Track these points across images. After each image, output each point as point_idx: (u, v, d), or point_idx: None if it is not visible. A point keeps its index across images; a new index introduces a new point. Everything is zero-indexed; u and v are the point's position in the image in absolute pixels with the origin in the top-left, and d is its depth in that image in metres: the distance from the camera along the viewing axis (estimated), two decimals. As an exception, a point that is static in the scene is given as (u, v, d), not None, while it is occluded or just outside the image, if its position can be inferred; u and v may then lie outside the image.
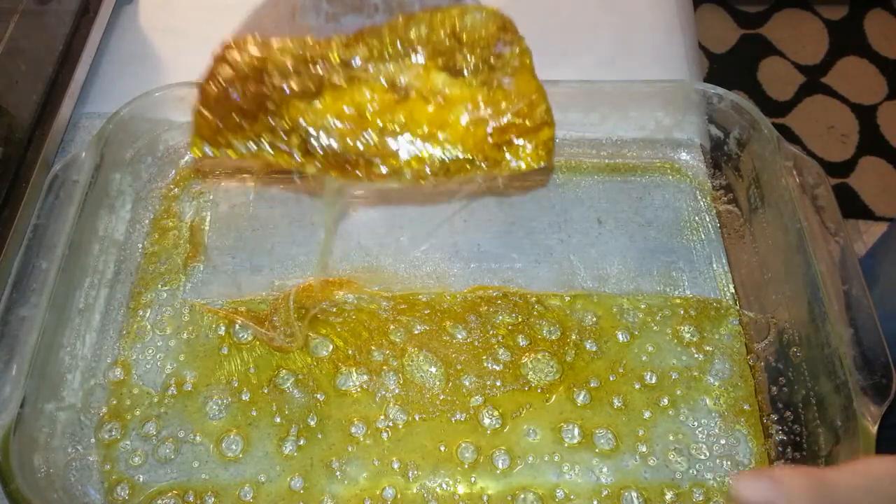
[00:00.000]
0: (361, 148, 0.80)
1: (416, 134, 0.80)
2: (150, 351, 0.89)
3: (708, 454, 0.83)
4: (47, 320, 0.81)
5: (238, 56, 0.84)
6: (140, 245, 0.97)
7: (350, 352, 0.89)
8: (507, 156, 0.81)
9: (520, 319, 0.92)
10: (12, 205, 0.92)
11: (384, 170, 0.80)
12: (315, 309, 0.92)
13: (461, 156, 0.80)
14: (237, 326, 0.90)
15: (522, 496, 0.80)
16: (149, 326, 0.91)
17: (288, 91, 0.82)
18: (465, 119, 0.81)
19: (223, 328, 0.91)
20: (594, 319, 0.92)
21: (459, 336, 0.90)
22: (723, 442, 0.84)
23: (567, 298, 0.94)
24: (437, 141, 0.80)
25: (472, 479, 0.81)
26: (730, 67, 3.03)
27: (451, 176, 0.80)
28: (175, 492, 0.80)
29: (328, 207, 0.94)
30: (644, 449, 0.83)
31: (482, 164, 0.80)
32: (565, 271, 0.96)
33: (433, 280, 0.96)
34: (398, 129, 0.80)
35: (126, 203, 0.99)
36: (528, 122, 0.81)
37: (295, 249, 0.98)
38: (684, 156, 1.06)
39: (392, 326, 0.90)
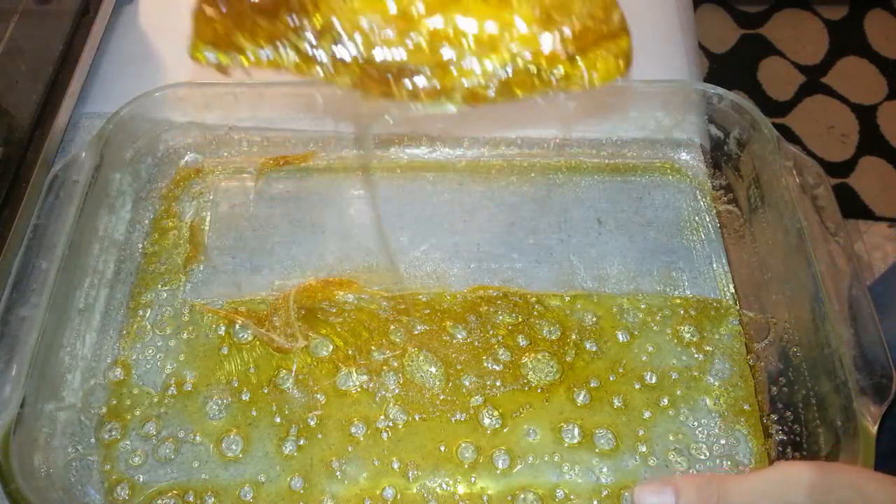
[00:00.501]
0: (406, 57, 0.67)
1: (474, 39, 0.68)
2: (150, 351, 0.89)
3: (708, 454, 0.83)
4: (47, 320, 0.81)
5: None
6: (140, 245, 0.97)
7: (350, 352, 0.89)
8: (584, 69, 0.69)
9: (520, 319, 0.92)
10: (12, 205, 0.92)
11: (435, 85, 0.68)
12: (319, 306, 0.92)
13: (529, 67, 0.68)
14: (237, 326, 0.90)
15: (522, 496, 0.80)
16: (149, 326, 0.91)
17: None
18: (531, 19, 0.68)
19: (223, 328, 0.91)
20: (594, 319, 0.92)
21: (459, 336, 0.90)
22: (723, 442, 0.84)
23: (567, 298, 0.93)
24: (499, 48, 0.68)
25: (472, 479, 0.81)
26: (730, 67, 3.04)
27: (514, 95, 0.69)
28: (175, 492, 0.80)
29: (360, 138, 0.84)
30: (644, 449, 0.83)
31: (553, 77, 0.69)
32: (565, 271, 0.96)
33: (433, 280, 0.96)
34: (452, 33, 0.68)
35: (126, 203, 0.99)
36: (604, 28, 0.70)
37: (295, 249, 0.98)
38: (684, 156, 1.06)
39: (392, 326, 0.90)
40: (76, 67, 1.05)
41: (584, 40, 0.69)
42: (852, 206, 2.65)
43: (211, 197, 1.02)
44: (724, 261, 0.97)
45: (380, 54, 0.67)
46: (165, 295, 0.94)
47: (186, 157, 1.05)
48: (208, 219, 1.00)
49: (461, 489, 0.81)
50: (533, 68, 0.68)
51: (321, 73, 0.68)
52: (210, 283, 0.95)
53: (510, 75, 0.68)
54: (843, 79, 2.99)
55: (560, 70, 0.69)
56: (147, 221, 0.99)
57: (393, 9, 0.66)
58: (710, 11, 3.19)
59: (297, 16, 0.67)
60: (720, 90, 0.99)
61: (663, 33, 1.25)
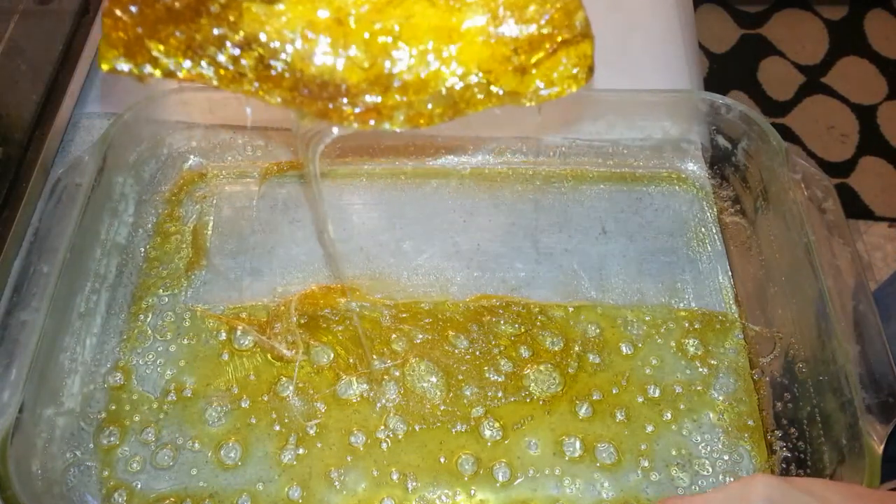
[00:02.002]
0: (341, 72, 0.60)
1: (416, 49, 0.61)
2: (151, 356, 0.89)
3: (711, 470, 0.82)
4: (47, 324, 0.80)
5: None
6: (142, 249, 0.97)
7: (351, 360, 0.88)
8: (538, 80, 0.63)
9: (522, 330, 0.91)
10: (12, 205, 0.92)
11: (374, 103, 0.61)
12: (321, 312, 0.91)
13: (476, 79, 0.61)
14: (238, 332, 0.90)
15: (522, 510, 0.80)
16: (149, 331, 0.90)
17: None
18: (480, 26, 0.61)
19: (224, 334, 0.90)
20: (597, 331, 0.91)
21: (461, 346, 0.89)
22: (726, 458, 0.83)
23: (570, 309, 0.93)
24: (443, 59, 0.61)
25: (472, 492, 0.81)
26: (730, 67, 3.03)
27: (460, 113, 0.63)
28: (173, 499, 0.80)
29: (303, 158, 0.72)
30: (646, 463, 0.82)
31: (502, 91, 0.63)
32: (569, 281, 0.96)
33: (435, 289, 0.95)
34: (391, 43, 0.61)
35: (129, 206, 0.98)
36: (563, 34, 0.63)
37: (297, 253, 0.98)
38: (691, 166, 1.05)
39: (394, 335, 0.90)
40: (76, 67, 1.04)
41: (539, 49, 0.63)
42: (852, 206, 2.64)
43: (214, 201, 1.02)
44: (729, 273, 0.96)
45: (312, 70, 0.61)
46: (167, 299, 0.93)
47: (190, 161, 1.04)
48: (211, 223, 1.00)
49: (460, 501, 0.80)
50: (483, 81, 0.62)
51: (248, 89, 0.62)
52: (211, 287, 0.95)
53: (457, 91, 0.62)
54: (843, 79, 2.98)
55: (508, 85, 0.63)
56: (150, 225, 0.99)
57: (324, 15, 0.60)
58: (710, 11, 3.18)
59: (218, 24, 0.61)
60: (728, 100, 0.98)
61: (663, 34, 1.24)
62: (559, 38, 0.63)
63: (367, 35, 0.60)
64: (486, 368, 0.88)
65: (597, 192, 1.04)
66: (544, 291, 0.95)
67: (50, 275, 0.82)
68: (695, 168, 1.05)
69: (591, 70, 0.64)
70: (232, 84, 0.62)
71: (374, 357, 0.88)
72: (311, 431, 0.84)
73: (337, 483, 0.81)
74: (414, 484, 0.81)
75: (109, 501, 0.80)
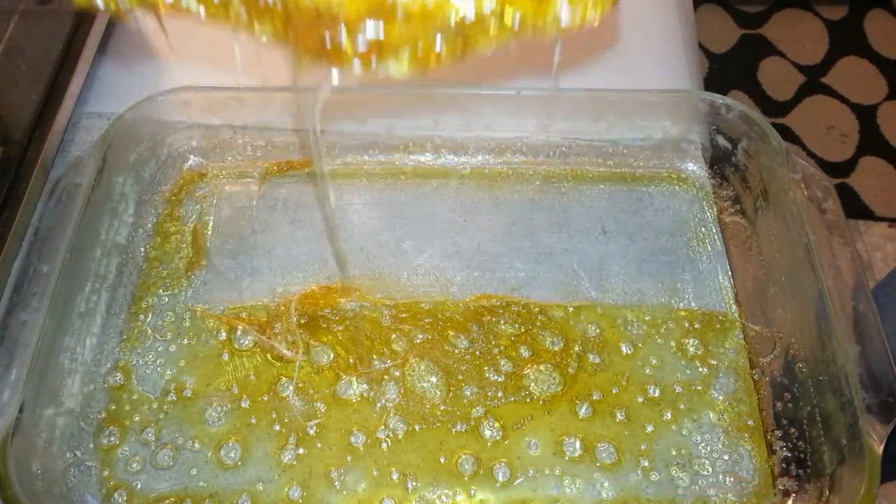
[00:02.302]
0: (340, 4, 0.52)
1: None
2: (151, 356, 0.89)
3: (711, 470, 0.82)
4: (47, 324, 0.80)
5: None
6: (142, 249, 0.97)
7: (351, 360, 0.88)
8: (558, 5, 0.55)
9: (522, 330, 0.91)
10: (12, 205, 0.92)
11: (371, 36, 0.53)
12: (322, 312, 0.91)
13: (489, 7, 0.53)
14: (238, 332, 0.90)
15: (522, 510, 0.80)
16: (149, 331, 0.90)
17: None
18: None
19: (224, 334, 0.90)
20: (597, 331, 0.91)
21: (461, 346, 0.89)
22: (726, 457, 0.83)
23: (570, 309, 0.93)
24: None
25: (472, 492, 0.81)
26: (730, 67, 3.03)
27: (471, 50, 0.56)
28: (172, 499, 0.80)
29: (303, 112, 0.70)
30: (646, 463, 0.82)
31: (518, 22, 0.55)
32: (569, 281, 0.96)
33: (436, 288, 0.95)
34: None
35: (129, 207, 0.98)
36: None
37: (297, 253, 0.98)
38: (691, 166, 1.05)
39: (394, 335, 0.90)
40: (76, 67, 1.04)
41: None
42: (852, 206, 2.64)
43: (214, 201, 1.02)
44: (729, 273, 0.96)
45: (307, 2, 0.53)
46: (167, 299, 0.93)
47: (190, 161, 1.04)
48: (211, 223, 1.00)
49: (460, 501, 0.80)
50: (492, 12, 0.54)
51: (236, 22, 0.56)
52: (212, 287, 0.95)
53: (466, 23, 0.54)
54: (843, 79, 2.99)
55: (524, 13, 0.55)
56: (150, 225, 0.99)
57: None
58: (710, 11, 3.18)
59: None
60: (728, 100, 0.98)
61: (663, 34, 1.24)
62: None
63: None
64: (486, 368, 0.88)
65: (597, 192, 1.04)
66: (544, 291, 0.95)
67: (50, 275, 0.82)
68: (695, 168, 1.05)
69: None
70: (218, 15, 0.57)
71: (374, 357, 0.88)
72: (311, 431, 0.84)
73: (337, 483, 0.81)
74: (414, 484, 0.81)
75: (109, 501, 0.80)
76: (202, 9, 0.56)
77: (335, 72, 0.58)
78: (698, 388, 0.87)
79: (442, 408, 0.85)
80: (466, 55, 0.56)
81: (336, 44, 0.54)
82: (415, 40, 0.54)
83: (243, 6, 0.54)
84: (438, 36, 0.54)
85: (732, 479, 0.82)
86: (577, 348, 0.90)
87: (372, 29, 0.53)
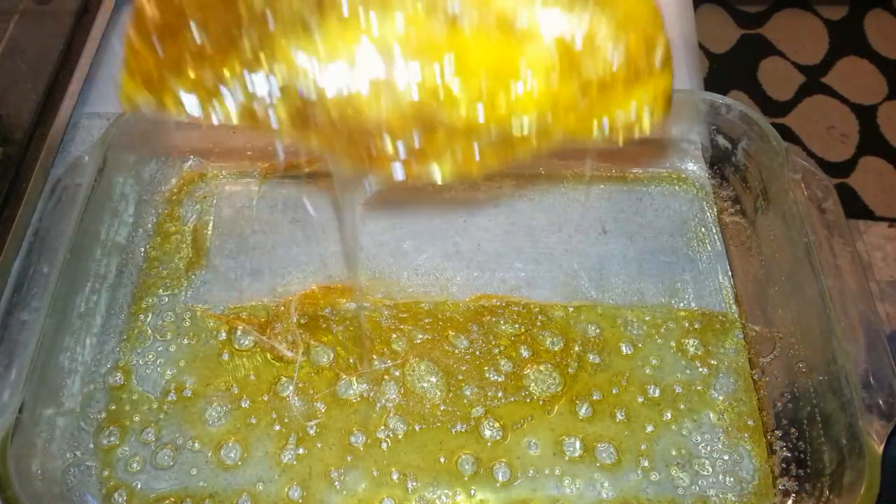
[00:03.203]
0: (383, 117, 0.53)
1: (468, 91, 0.53)
2: (151, 356, 0.89)
3: (711, 470, 0.82)
4: (47, 324, 0.80)
5: None
6: (142, 249, 0.97)
7: (351, 360, 0.88)
8: (604, 122, 0.55)
9: (522, 330, 0.91)
10: (12, 205, 0.92)
11: (418, 153, 0.54)
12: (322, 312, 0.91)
13: (533, 123, 0.54)
14: (238, 333, 0.90)
15: (522, 510, 0.80)
16: (149, 331, 0.90)
17: (272, 20, 0.53)
18: (543, 65, 0.53)
19: (224, 334, 0.90)
20: (597, 331, 0.91)
21: (461, 346, 0.89)
22: (726, 458, 0.83)
23: (570, 309, 0.93)
24: (498, 102, 0.53)
25: (472, 492, 0.81)
26: (730, 67, 3.03)
27: (511, 157, 0.56)
28: (172, 499, 0.80)
29: (342, 205, 0.71)
30: (646, 463, 0.82)
31: (565, 136, 0.55)
32: (569, 281, 0.96)
33: (435, 288, 0.95)
34: (440, 83, 0.53)
35: (129, 207, 0.98)
36: (640, 67, 0.54)
37: (297, 253, 0.98)
38: (691, 166, 1.05)
39: (394, 335, 0.90)
40: (76, 67, 1.04)
41: (609, 91, 0.54)
42: (852, 206, 2.64)
43: (214, 201, 1.02)
44: (729, 273, 0.96)
45: (351, 112, 0.54)
46: (167, 299, 0.93)
47: (190, 161, 1.04)
48: (211, 223, 1.00)
49: (460, 501, 0.80)
50: (536, 127, 0.55)
51: (281, 132, 0.56)
52: (211, 287, 0.95)
53: (509, 134, 0.55)
54: (843, 79, 2.98)
55: (568, 128, 0.56)
56: (150, 225, 0.99)
57: (367, 51, 0.53)
58: (710, 11, 3.18)
59: (249, 63, 0.54)
60: (728, 100, 0.98)
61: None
62: (634, 77, 0.55)
63: (414, 75, 0.53)
64: (486, 368, 0.88)
65: (597, 192, 1.04)
66: (544, 291, 0.95)
67: (50, 275, 0.82)
68: (695, 168, 1.05)
69: (667, 107, 0.57)
70: (264, 127, 0.56)
71: (374, 357, 0.88)
72: (311, 431, 0.84)
73: (337, 483, 0.81)
74: (414, 484, 0.81)
75: (109, 501, 0.80)
76: (247, 122, 0.56)
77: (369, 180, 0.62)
78: (698, 388, 0.87)
79: (442, 408, 0.85)
80: (506, 163, 0.57)
81: (379, 152, 0.55)
82: (456, 149, 0.55)
83: (288, 119, 0.55)
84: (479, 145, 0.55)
85: (732, 480, 0.82)
86: (577, 348, 0.90)
87: (416, 139, 0.53)
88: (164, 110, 0.56)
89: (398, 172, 0.56)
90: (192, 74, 0.55)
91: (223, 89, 0.55)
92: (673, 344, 0.90)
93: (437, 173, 0.55)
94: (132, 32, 0.56)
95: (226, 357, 0.89)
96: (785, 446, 0.83)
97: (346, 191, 0.65)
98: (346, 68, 0.53)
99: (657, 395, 0.87)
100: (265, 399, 0.86)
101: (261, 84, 0.54)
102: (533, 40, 0.53)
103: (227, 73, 0.54)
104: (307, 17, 0.53)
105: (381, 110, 0.53)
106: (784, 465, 0.82)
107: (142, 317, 0.91)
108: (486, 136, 0.54)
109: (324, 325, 0.91)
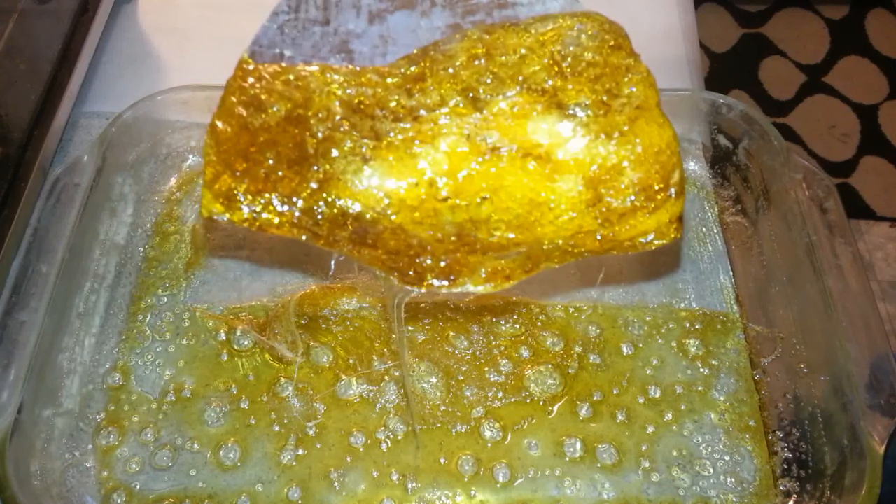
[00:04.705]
0: (427, 239, 0.61)
1: (503, 221, 0.60)
2: (150, 356, 0.88)
3: (712, 471, 0.82)
4: (46, 324, 0.80)
5: (262, 86, 0.64)
6: (141, 249, 0.96)
7: (351, 360, 0.88)
8: (618, 230, 0.61)
9: (523, 330, 0.91)
10: (11, 205, 0.92)
11: (455, 273, 0.61)
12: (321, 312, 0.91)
13: (558, 244, 0.61)
14: (237, 333, 0.90)
15: (523, 510, 0.80)
16: (148, 331, 0.90)
17: (336, 154, 0.62)
18: (571, 201, 0.60)
19: (223, 334, 0.90)
20: (598, 331, 0.91)
21: (461, 346, 0.89)
22: (727, 458, 0.83)
23: (571, 309, 0.92)
24: (532, 230, 0.60)
25: (472, 493, 0.80)
26: (731, 67, 3.03)
27: (537, 269, 0.62)
28: (172, 500, 0.80)
29: (390, 305, 0.76)
30: (647, 464, 0.82)
31: (585, 252, 0.62)
32: (569, 281, 0.95)
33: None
34: (479, 215, 0.60)
35: (128, 206, 0.98)
36: (656, 202, 0.61)
37: (297, 252, 0.97)
38: (692, 166, 1.04)
39: (394, 336, 0.89)
40: (75, 67, 1.04)
41: (629, 219, 0.61)
42: (853, 206, 2.64)
43: (213, 200, 1.01)
44: (730, 273, 0.96)
45: (401, 241, 0.62)
46: (166, 300, 0.93)
47: (189, 161, 1.04)
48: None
49: (460, 502, 0.80)
50: (560, 247, 0.62)
51: (340, 250, 0.64)
52: (211, 287, 0.94)
53: (536, 253, 0.61)
54: (844, 78, 2.98)
55: (590, 249, 0.62)
56: (149, 225, 0.99)
57: (412, 184, 0.61)
58: (711, 11, 3.18)
59: (315, 192, 0.62)
60: (730, 100, 0.98)
61: (664, 33, 1.24)
62: (652, 206, 0.61)
63: (457, 204, 0.61)
64: (486, 369, 0.88)
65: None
66: (544, 291, 0.94)
67: (49, 275, 0.82)
68: (696, 167, 1.04)
69: (679, 230, 0.63)
70: (326, 245, 0.63)
71: (374, 357, 0.88)
72: (311, 432, 0.83)
73: (336, 484, 0.80)
74: (414, 485, 0.81)
75: (108, 502, 0.79)
76: (312, 240, 0.64)
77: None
78: (699, 388, 0.87)
79: (442, 408, 0.85)
80: (531, 274, 0.62)
81: (422, 270, 0.62)
82: (489, 263, 0.61)
83: (348, 240, 0.62)
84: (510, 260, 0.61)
85: (733, 480, 0.82)
86: (577, 349, 0.89)
87: (454, 259, 0.61)
88: (238, 223, 0.64)
89: (437, 287, 0.62)
90: (260, 194, 0.63)
91: (294, 211, 0.63)
92: (674, 344, 0.90)
93: (471, 287, 0.62)
94: (209, 146, 0.64)
95: (225, 357, 0.88)
96: (786, 447, 0.83)
97: (392, 294, 0.71)
98: (398, 196, 0.61)
99: (658, 395, 0.86)
100: (264, 399, 0.85)
101: (322, 206, 0.62)
102: (563, 172, 0.60)
103: (294, 196, 0.62)
104: (365, 150, 0.61)
105: (425, 234, 0.60)
106: (785, 466, 0.82)
107: (141, 317, 0.91)
108: (515, 256, 0.60)
109: (324, 326, 0.90)
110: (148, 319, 0.91)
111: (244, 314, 0.91)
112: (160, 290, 0.93)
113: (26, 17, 1.01)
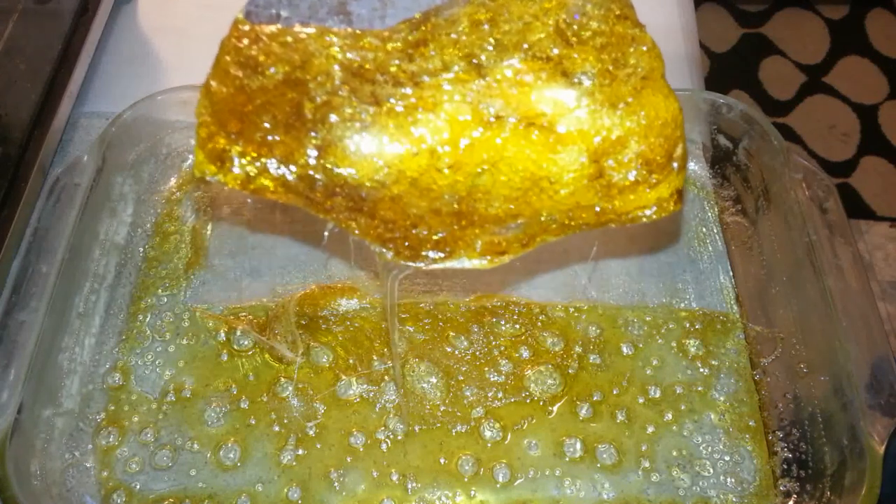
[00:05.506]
0: (424, 211, 0.60)
1: (503, 195, 0.60)
2: (150, 356, 0.88)
3: (712, 471, 0.82)
4: (46, 324, 0.80)
5: (258, 48, 0.63)
6: (141, 249, 0.96)
7: (351, 360, 0.88)
8: (618, 204, 0.62)
9: (523, 330, 0.91)
10: (11, 205, 0.92)
11: (450, 247, 0.60)
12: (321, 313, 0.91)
13: (556, 217, 0.61)
14: (237, 333, 0.90)
15: (523, 511, 0.80)
16: (148, 331, 0.90)
17: (335, 120, 0.61)
18: (573, 175, 0.60)
19: (223, 334, 0.90)
20: (598, 331, 0.91)
21: (461, 346, 0.89)
22: (727, 458, 0.83)
23: (571, 309, 0.92)
24: (531, 203, 0.60)
25: (472, 493, 0.80)
26: (731, 67, 3.03)
27: (533, 244, 0.63)
28: (172, 500, 0.80)
29: (383, 279, 0.74)
30: (647, 464, 0.82)
31: (583, 225, 0.62)
32: (569, 281, 0.95)
33: (436, 288, 0.94)
34: (479, 187, 0.59)
35: (128, 206, 0.98)
36: (657, 176, 0.61)
37: (297, 253, 0.97)
38: (692, 166, 1.04)
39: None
40: (75, 67, 1.04)
41: (629, 193, 0.61)
42: (853, 206, 2.64)
43: (213, 201, 1.01)
44: (730, 273, 0.96)
45: (399, 211, 0.61)
46: (166, 300, 0.93)
47: (189, 161, 1.03)
48: (210, 223, 1.00)
49: (460, 502, 0.80)
50: (558, 220, 0.62)
51: (333, 217, 0.63)
52: (211, 287, 0.94)
53: (534, 230, 0.61)
54: (844, 78, 2.98)
55: (588, 221, 0.63)
56: (149, 225, 0.98)
57: (413, 151, 0.60)
58: (711, 10, 3.18)
59: (314, 156, 0.61)
60: (730, 100, 0.98)
61: (664, 33, 1.23)
62: (654, 181, 0.61)
63: (454, 178, 0.60)
64: (486, 369, 0.88)
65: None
66: (544, 291, 0.94)
67: (49, 275, 0.82)
68: (696, 168, 1.04)
69: (679, 203, 0.62)
70: (320, 213, 0.63)
71: (374, 357, 0.88)
72: (311, 432, 0.83)
73: (336, 484, 0.80)
74: (414, 485, 0.81)
75: (108, 502, 0.79)
76: (307, 205, 0.64)
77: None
78: (699, 388, 0.87)
79: (442, 408, 0.85)
80: (528, 249, 0.62)
81: (416, 242, 0.61)
82: (485, 234, 0.61)
83: (344, 207, 0.62)
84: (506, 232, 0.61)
85: (733, 481, 0.82)
86: (577, 349, 0.89)
87: (451, 231, 0.60)
88: (231, 186, 0.64)
89: (433, 259, 0.62)
90: (256, 157, 0.62)
91: (290, 177, 0.62)
92: (674, 344, 0.90)
93: (466, 261, 0.61)
94: (203, 106, 0.64)
95: (225, 357, 0.88)
96: (786, 447, 0.83)
97: (387, 270, 0.70)
98: (397, 165, 0.60)
99: (658, 395, 0.86)
100: (264, 399, 0.85)
101: (319, 173, 0.61)
102: (566, 143, 0.59)
103: (290, 159, 0.62)
104: (365, 116, 0.60)
105: (423, 204, 0.60)
106: (785, 466, 0.82)
107: (141, 317, 0.91)
108: (512, 229, 0.60)
109: (324, 326, 0.90)
110: (148, 319, 0.91)
111: (244, 314, 0.91)
112: (160, 290, 0.93)
113: (26, 17, 1.01)
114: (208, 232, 0.99)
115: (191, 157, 1.03)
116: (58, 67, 1.03)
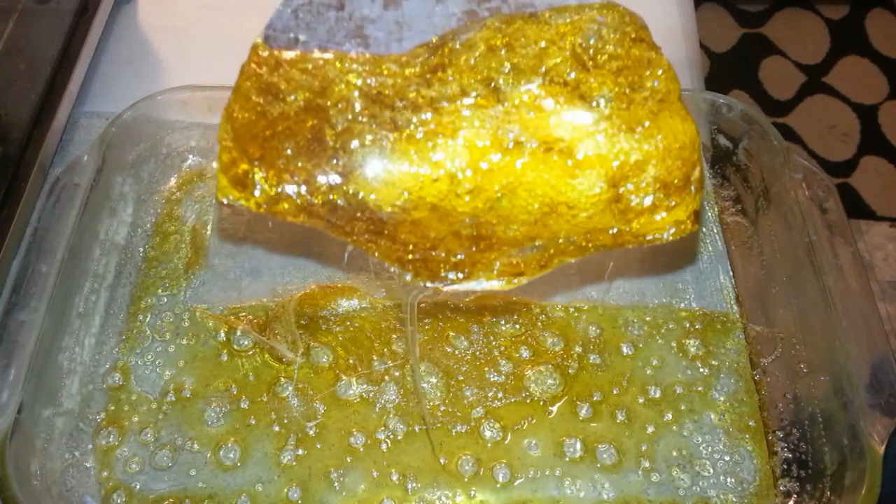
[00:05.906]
0: (444, 241, 0.61)
1: (522, 217, 0.61)
2: (150, 356, 0.88)
3: (712, 471, 0.82)
4: (46, 324, 0.80)
5: (279, 74, 0.64)
6: (141, 249, 0.96)
7: (351, 360, 0.88)
8: (636, 227, 0.62)
9: (523, 330, 0.91)
10: (10, 205, 0.92)
11: (469, 269, 0.61)
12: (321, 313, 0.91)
13: (573, 240, 0.61)
14: (237, 333, 0.90)
15: (523, 511, 0.80)
16: (148, 331, 0.90)
17: (356, 146, 0.62)
18: (591, 199, 0.60)
19: (223, 334, 0.90)
20: (598, 331, 0.91)
21: (461, 346, 0.89)
22: (727, 458, 0.83)
23: (571, 309, 0.92)
24: (550, 226, 0.61)
25: (472, 493, 0.80)
26: (731, 67, 3.02)
27: (550, 266, 0.63)
28: (172, 500, 0.80)
29: (404, 300, 0.77)
30: (647, 464, 0.82)
31: (601, 247, 0.62)
32: (569, 281, 0.95)
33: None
34: (498, 211, 0.60)
35: (128, 206, 0.98)
36: (675, 198, 0.62)
37: (297, 253, 0.97)
38: (692, 165, 1.04)
39: (394, 336, 0.89)
40: (75, 67, 1.04)
41: (645, 214, 0.61)
42: (853, 206, 2.64)
43: (213, 201, 1.01)
44: (730, 273, 0.96)
45: (413, 240, 0.62)
46: (166, 300, 0.93)
47: (189, 160, 1.04)
48: (210, 223, 1.00)
49: (460, 502, 0.80)
50: (575, 242, 0.62)
51: (354, 240, 0.64)
52: (211, 287, 0.94)
53: (551, 249, 0.62)
54: (844, 78, 2.98)
55: (604, 244, 0.63)
56: (149, 225, 0.98)
57: (434, 175, 0.61)
58: (711, 10, 3.18)
59: (332, 180, 0.63)
60: (729, 100, 0.98)
61: (664, 33, 1.23)
62: (672, 203, 0.62)
63: (471, 204, 0.61)
64: (486, 369, 0.88)
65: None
66: (544, 291, 0.94)
67: (49, 275, 0.82)
68: (696, 168, 1.04)
69: (695, 224, 0.64)
70: (341, 236, 0.64)
71: (374, 357, 0.88)
72: (311, 432, 0.83)
73: (336, 484, 0.80)
74: (414, 485, 0.81)
75: (108, 502, 0.79)
76: (328, 229, 0.65)
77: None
78: (699, 388, 0.87)
79: (442, 408, 0.85)
80: (546, 270, 0.63)
81: (436, 264, 0.62)
82: (502, 257, 0.62)
83: (364, 231, 0.63)
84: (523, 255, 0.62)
85: (733, 481, 0.82)
86: (577, 349, 0.89)
87: (470, 254, 0.61)
88: (254, 210, 0.65)
89: (452, 280, 0.63)
90: (278, 182, 0.63)
91: (309, 199, 0.63)
92: (674, 344, 0.90)
93: (485, 283, 0.62)
94: (225, 132, 0.63)
95: (225, 357, 0.88)
96: (786, 447, 0.83)
97: (407, 292, 0.71)
98: (418, 191, 0.61)
99: (658, 395, 0.86)
100: (264, 399, 0.85)
101: (341, 198, 0.62)
102: (585, 167, 0.60)
103: (311, 184, 0.63)
104: (385, 143, 0.61)
105: (443, 228, 0.61)
106: (785, 466, 0.82)
107: (141, 317, 0.91)
108: (530, 251, 0.61)
109: (324, 326, 0.90)
110: (148, 319, 0.91)
111: (244, 314, 0.91)
112: (160, 290, 0.93)
113: (26, 17, 1.01)
114: (208, 232, 0.99)
115: (191, 156, 1.03)
116: (58, 67, 1.03)
